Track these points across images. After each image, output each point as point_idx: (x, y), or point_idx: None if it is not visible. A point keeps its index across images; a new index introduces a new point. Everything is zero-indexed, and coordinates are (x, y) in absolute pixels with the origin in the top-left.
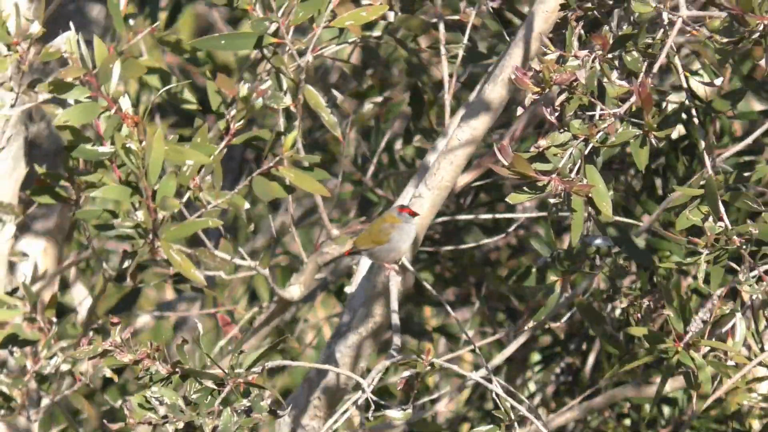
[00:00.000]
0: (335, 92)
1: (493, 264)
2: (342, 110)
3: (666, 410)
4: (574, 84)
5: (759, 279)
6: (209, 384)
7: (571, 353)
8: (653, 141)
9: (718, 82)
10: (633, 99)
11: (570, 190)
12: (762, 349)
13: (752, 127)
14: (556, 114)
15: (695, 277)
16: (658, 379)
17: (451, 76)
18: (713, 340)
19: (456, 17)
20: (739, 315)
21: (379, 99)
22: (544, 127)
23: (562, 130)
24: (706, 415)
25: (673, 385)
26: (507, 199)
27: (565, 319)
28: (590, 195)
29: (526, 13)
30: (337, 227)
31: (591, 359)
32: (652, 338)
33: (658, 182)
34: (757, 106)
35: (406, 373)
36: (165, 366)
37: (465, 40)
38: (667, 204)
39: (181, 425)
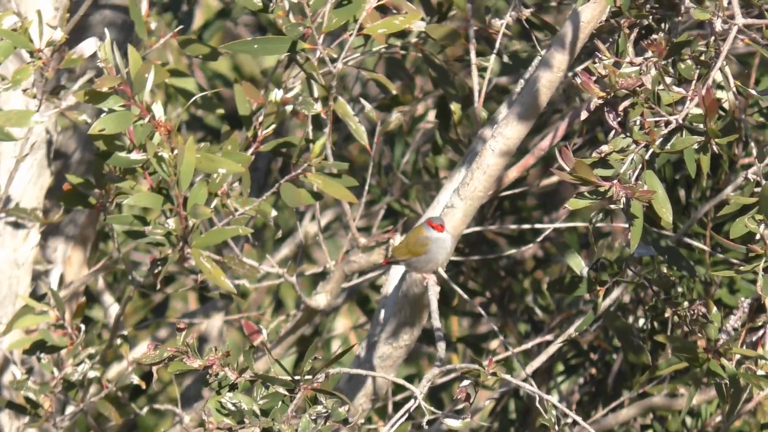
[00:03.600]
0: (363, 101)
1: (518, 275)
2: (369, 120)
3: (689, 421)
4: (639, 89)
5: None
6: (280, 390)
7: (594, 364)
8: (714, 148)
9: None
10: (688, 105)
11: (632, 196)
12: None
13: None
14: (619, 119)
15: (719, 287)
16: (682, 391)
17: (480, 87)
18: (744, 348)
19: (484, 27)
20: None
21: (406, 108)
22: (574, 136)
23: (624, 136)
24: (734, 426)
25: (699, 398)
26: (566, 205)
27: (591, 329)
28: (651, 201)
29: (551, 24)
30: (364, 236)
31: (614, 370)
32: (681, 347)
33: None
34: None
35: (466, 382)
36: (234, 372)
37: (495, 51)
38: (700, 214)
39: (257, 431)
